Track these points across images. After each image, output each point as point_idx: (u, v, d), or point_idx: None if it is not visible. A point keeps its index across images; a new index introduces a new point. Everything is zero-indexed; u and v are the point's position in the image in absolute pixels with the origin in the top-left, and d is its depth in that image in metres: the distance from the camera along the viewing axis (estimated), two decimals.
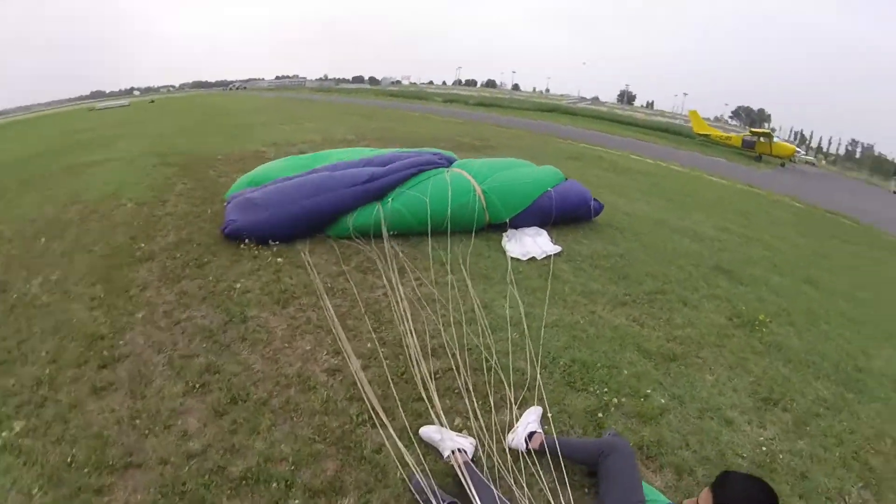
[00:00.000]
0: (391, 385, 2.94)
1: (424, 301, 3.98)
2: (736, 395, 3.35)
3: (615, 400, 2.98)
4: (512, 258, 4.89)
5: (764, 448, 2.90)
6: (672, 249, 5.90)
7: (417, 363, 3.10)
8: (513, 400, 2.86)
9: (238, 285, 3.96)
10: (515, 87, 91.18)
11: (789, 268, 6.53)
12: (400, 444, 2.48)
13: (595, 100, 71.84)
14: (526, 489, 2.27)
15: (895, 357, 4.64)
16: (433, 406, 2.74)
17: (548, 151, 13.73)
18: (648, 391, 3.14)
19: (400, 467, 2.37)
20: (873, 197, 22.90)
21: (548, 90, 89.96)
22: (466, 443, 2.50)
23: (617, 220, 6.71)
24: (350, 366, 3.09)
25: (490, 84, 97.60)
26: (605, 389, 3.06)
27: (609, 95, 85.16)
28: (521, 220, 5.55)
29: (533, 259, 4.98)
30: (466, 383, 2.96)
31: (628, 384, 3.17)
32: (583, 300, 4.21)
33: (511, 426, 2.68)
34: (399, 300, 3.81)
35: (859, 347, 4.56)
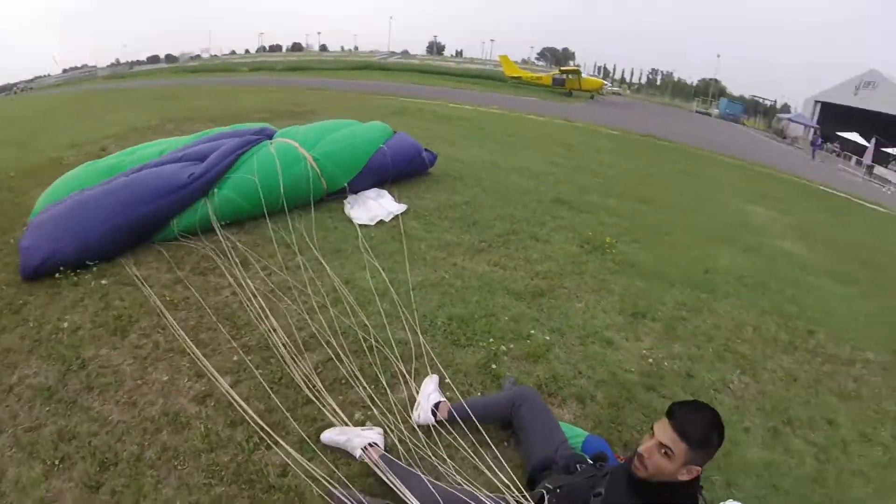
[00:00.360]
0: (272, 395, 2.94)
1: (279, 291, 3.98)
2: (607, 315, 4.27)
3: (502, 347, 3.51)
4: (360, 225, 5.19)
5: (649, 359, 3.80)
6: (512, 189, 6.94)
7: (293, 362, 3.13)
8: (406, 373, 3.11)
9: (65, 324, 3.63)
10: (323, 48, 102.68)
11: (621, 190, 8.29)
12: (303, 460, 2.51)
13: (405, 53, 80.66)
14: (450, 462, 2.51)
15: (734, 255, 6.50)
16: (325, 405, 2.82)
17: (369, 109, 14.83)
18: (531, 331, 3.76)
19: (313, 485, 2.40)
20: (679, 118, 30.94)
21: (356, 48, 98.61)
22: (374, 434, 2.63)
23: (453, 169, 7.56)
24: (219, 386, 2.98)
25: (296, 48, 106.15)
26: (490, 339, 3.55)
27: (419, 48, 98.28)
28: (360, 183, 5.89)
29: (381, 222, 5.36)
30: (352, 370, 3.10)
31: (509, 329, 3.74)
32: (441, 255, 4.71)
33: (413, 402, 2.91)
34: (251, 297, 3.76)
35: (701, 252, 6.23)
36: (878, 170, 35.67)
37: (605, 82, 43.20)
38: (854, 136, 39.55)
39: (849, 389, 4.44)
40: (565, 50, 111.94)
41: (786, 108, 67.17)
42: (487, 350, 3.44)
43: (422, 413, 2.78)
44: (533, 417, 2.60)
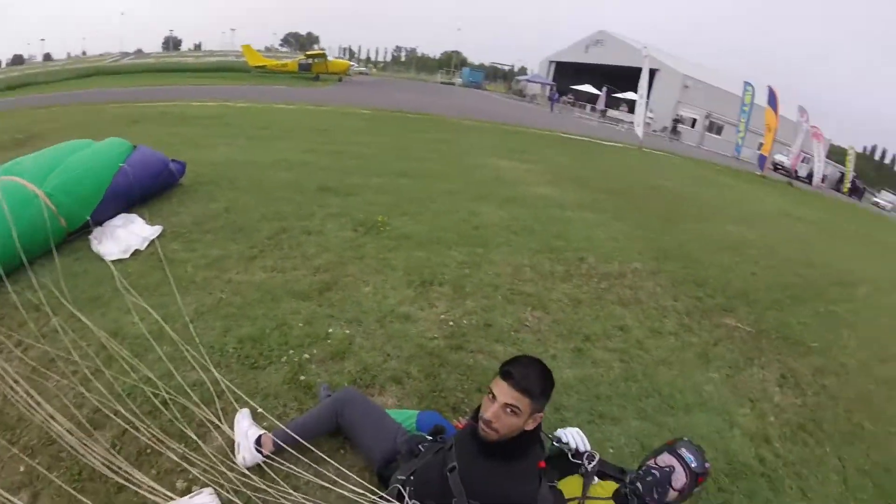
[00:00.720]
0: (79, 497, 2.61)
1: (42, 368, 3.45)
2: (396, 291, 4.66)
3: (304, 356, 3.59)
4: (113, 261, 4.81)
5: (448, 322, 4.29)
6: (273, 185, 6.99)
7: (85, 448, 2.78)
8: (213, 418, 2.97)
9: None
10: (48, 56, 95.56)
11: (381, 168, 8.87)
12: None
13: (139, 52, 75.53)
14: (294, 493, 2.55)
15: (497, 209, 7.57)
16: (140, 486, 2.61)
17: (104, 122, 13.65)
18: (329, 330, 3.92)
19: None
20: (426, 91, 33.07)
21: (84, 53, 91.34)
22: (206, 498, 2.56)
23: (206, 174, 7.42)
24: None
25: (17, 60, 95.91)
26: (289, 351, 3.62)
27: (154, 45, 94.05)
28: (104, 212, 5.51)
29: (137, 252, 5.04)
30: (153, 435, 2.88)
31: (305, 334, 3.84)
32: (212, 273, 4.57)
33: (233, 446, 2.84)
34: (12, 385, 3.19)
35: (468, 212, 7.08)
36: (611, 113, 45.96)
37: (352, 63, 46.13)
38: (587, 88, 49.51)
39: (628, 297, 5.71)
40: (309, 34, 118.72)
41: (523, 71, 79.75)
42: (290, 363, 3.48)
43: (246, 454, 2.73)
44: (359, 417, 2.75)
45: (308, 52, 39.05)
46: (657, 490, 2.24)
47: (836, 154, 61.28)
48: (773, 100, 29.09)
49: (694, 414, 4.06)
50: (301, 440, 2.70)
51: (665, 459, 2.32)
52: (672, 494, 2.26)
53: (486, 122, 20.16)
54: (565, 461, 2.51)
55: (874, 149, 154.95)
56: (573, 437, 2.58)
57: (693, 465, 2.27)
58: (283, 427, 2.81)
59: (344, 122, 13.90)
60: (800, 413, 4.66)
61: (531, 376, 2.09)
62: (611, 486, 2.42)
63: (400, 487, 2.30)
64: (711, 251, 8.59)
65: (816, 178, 37.35)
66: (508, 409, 2.05)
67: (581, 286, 5.72)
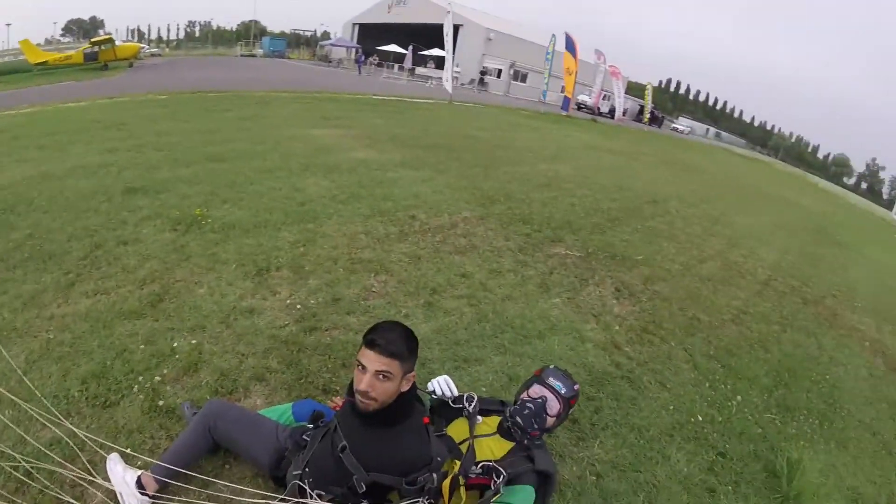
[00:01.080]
0: None
1: None
2: (234, 286, 4.43)
3: (155, 378, 3.31)
4: None
5: (296, 306, 4.23)
6: (74, 197, 6.05)
7: None
8: (82, 474, 2.81)
9: None
10: None
11: (190, 156, 8.19)
12: None
13: None
14: None
15: (319, 180, 7.57)
16: None
17: None
18: (173, 344, 3.63)
19: None
20: (226, 66, 30.55)
21: None
22: None
23: None
24: None
25: None
26: (139, 378, 3.32)
27: None
28: None
29: None
30: None
31: (150, 354, 3.53)
32: (31, 313, 3.80)
33: (116, 497, 2.71)
34: None
35: (290, 188, 6.96)
36: (419, 70, 47.02)
37: (142, 45, 42.57)
38: (393, 48, 50.12)
39: (463, 245, 6.02)
40: (93, 19, 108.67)
41: (326, 36, 78.55)
42: (143, 391, 3.24)
43: (132, 501, 2.55)
44: (233, 426, 2.66)
45: (93, 40, 35.25)
46: (535, 420, 2.49)
47: (635, 90, 68.80)
48: (570, 45, 32.08)
49: (547, 338, 4.48)
50: (181, 469, 2.57)
51: (536, 391, 2.57)
52: (550, 420, 2.54)
53: (295, 92, 19.53)
54: (448, 408, 2.70)
55: (669, 81, 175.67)
56: (442, 384, 2.81)
57: (563, 392, 2.55)
58: (158, 462, 2.63)
59: (141, 111, 12.67)
60: (640, 318, 5.38)
61: (395, 339, 2.18)
62: (494, 421, 2.64)
63: (298, 483, 2.29)
64: (531, 190, 9.36)
65: (618, 113, 41.82)
66: (381, 376, 2.13)
67: (417, 243, 5.93)
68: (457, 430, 2.60)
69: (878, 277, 12.04)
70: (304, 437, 2.52)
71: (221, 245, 5.16)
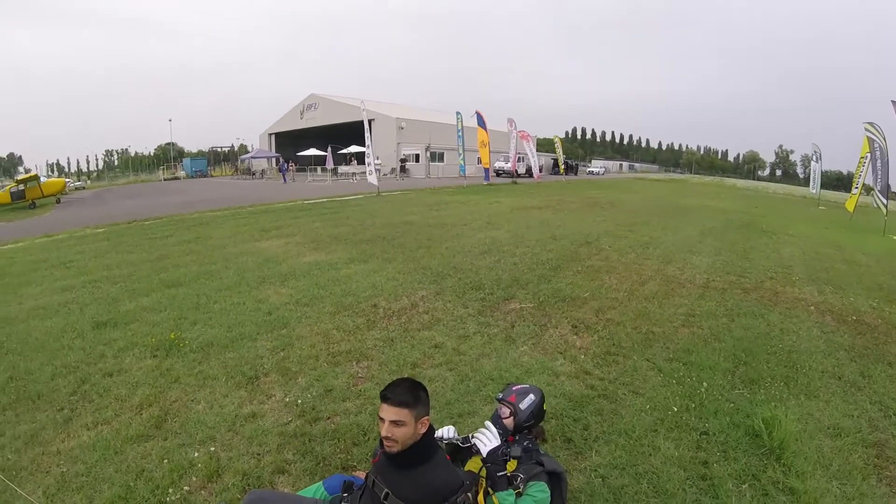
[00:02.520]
0: None
1: None
2: (229, 397, 4.56)
3: (185, 489, 3.47)
4: None
5: (297, 402, 4.51)
6: (44, 337, 5.91)
7: None
8: None
9: None
10: None
11: (146, 285, 7.92)
12: None
13: None
14: None
15: (275, 290, 7.95)
16: None
17: None
18: (193, 455, 3.77)
19: None
20: (152, 192, 30.32)
21: None
22: None
23: None
24: None
25: None
26: (169, 491, 3.45)
27: None
28: None
29: None
30: None
31: (169, 470, 3.64)
32: (36, 451, 3.86)
33: None
34: None
35: (253, 301, 7.23)
36: (341, 169, 48.36)
37: (67, 180, 41.68)
38: (312, 151, 51.49)
39: (428, 321, 6.40)
40: (10, 156, 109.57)
41: (244, 149, 79.46)
42: (175, 503, 3.39)
43: None
44: None
45: (18, 178, 34.49)
46: (499, 426, 3.12)
47: (546, 145, 72.17)
48: (480, 120, 34.81)
49: (525, 380, 4.87)
50: None
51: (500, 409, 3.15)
52: (508, 421, 3.15)
53: (227, 209, 19.73)
54: (460, 450, 3.19)
55: (575, 130, 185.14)
56: (448, 432, 3.23)
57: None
58: None
59: (84, 247, 12.61)
60: (601, 344, 5.94)
61: (402, 392, 2.59)
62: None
63: None
64: (475, 258, 10.03)
65: (535, 171, 43.85)
66: (396, 424, 2.53)
67: (386, 327, 6.34)
68: (470, 467, 3.02)
69: (809, 249, 13.18)
70: (343, 502, 2.82)
71: (205, 363, 5.42)
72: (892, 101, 13.62)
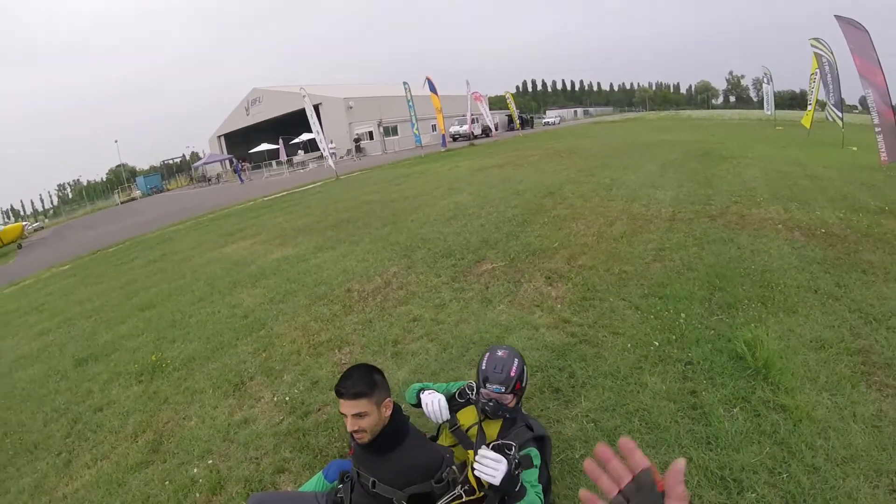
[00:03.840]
0: None
1: None
2: (219, 409, 4.60)
3: None
4: None
5: (286, 400, 4.52)
6: (29, 385, 5.96)
7: None
8: None
9: None
10: None
11: (121, 313, 7.96)
12: None
13: None
14: None
15: (248, 292, 7.96)
16: None
17: None
18: (193, 472, 3.84)
19: None
20: (110, 216, 28.75)
21: None
22: None
23: None
24: None
25: None
26: None
27: None
28: None
29: None
30: None
31: (173, 490, 3.68)
32: (43, 499, 4.07)
33: None
34: None
35: (227, 308, 7.23)
36: (296, 159, 47.84)
37: (24, 223, 39.96)
38: (264, 146, 50.59)
39: (403, 296, 6.37)
40: None
41: (196, 157, 77.94)
42: None
43: None
44: None
45: None
46: (501, 409, 2.92)
47: (498, 103, 71.96)
48: (432, 86, 34.31)
49: (506, 339, 4.97)
50: None
51: (486, 394, 2.95)
52: (509, 398, 2.93)
53: (188, 220, 19.41)
54: (454, 402, 3.15)
55: (525, 83, 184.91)
56: (434, 406, 3.06)
57: (503, 391, 2.89)
58: None
59: (52, 287, 12.28)
60: (576, 292, 5.98)
61: (355, 383, 2.53)
62: (472, 410, 3.09)
63: None
64: (441, 226, 9.99)
65: (491, 131, 43.92)
66: (359, 416, 2.50)
67: (363, 310, 6.31)
68: (466, 417, 3.03)
69: (771, 169, 13.38)
70: (339, 495, 2.82)
71: (190, 379, 5.37)
72: (836, 16, 13.69)
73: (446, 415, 2.93)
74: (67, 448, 4.65)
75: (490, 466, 2.58)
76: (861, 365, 4.07)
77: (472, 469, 2.68)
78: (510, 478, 2.56)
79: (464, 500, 2.66)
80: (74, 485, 4.12)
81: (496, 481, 2.53)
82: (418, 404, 3.06)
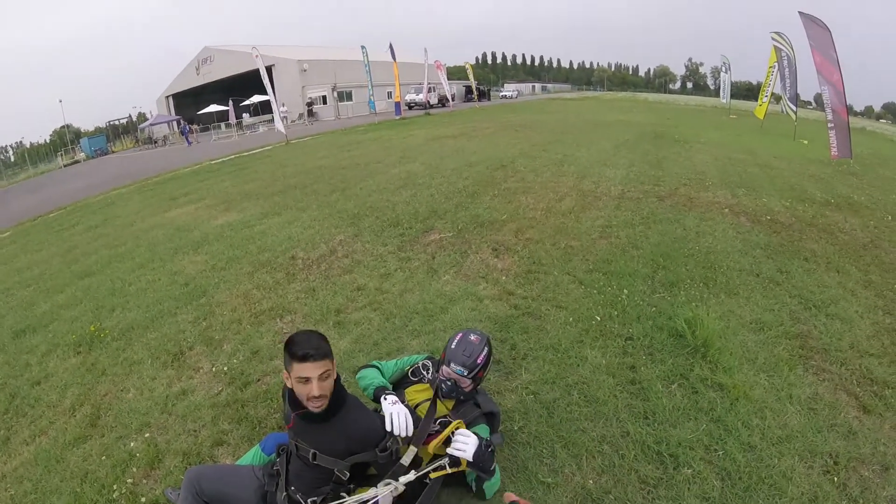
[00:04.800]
0: None
1: None
2: (157, 380, 4.45)
3: (129, 481, 3.41)
4: None
5: (224, 370, 4.41)
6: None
7: None
8: None
9: None
10: None
11: (60, 281, 7.83)
12: None
13: None
14: None
15: (192, 259, 7.77)
16: None
17: None
18: (130, 445, 3.74)
19: None
20: (51, 180, 27.29)
21: None
22: None
23: None
24: None
25: None
26: (113, 488, 3.38)
27: None
28: None
29: None
30: None
31: (111, 465, 3.58)
32: None
33: None
34: None
35: (167, 274, 7.07)
36: (246, 121, 46.48)
37: None
38: (213, 108, 48.83)
39: (348, 264, 6.27)
40: None
41: (143, 118, 74.74)
42: (123, 497, 3.32)
43: None
44: (216, 482, 2.83)
45: None
46: (456, 391, 2.95)
47: (457, 73, 71.37)
48: (393, 53, 34.13)
49: (450, 310, 4.94)
50: None
51: (446, 372, 2.95)
52: (467, 383, 2.95)
53: (133, 184, 18.54)
54: (406, 380, 3.23)
55: (485, 55, 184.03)
56: (400, 419, 2.76)
57: (466, 374, 2.91)
58: None
59: None
60: (521, 265, 5.99)
61: (319, 343, 2.46)
62: (425, 387, 3.13)
63: (288, 494, 2.61)
64: (391, 195, 9.86)
65: (448, 101, 43.63)
66: (324, 376, 2.41)
67: (307, 278, 6.16)
68: (415, 394, 3.04)
69: (722, 155, 13.73)
70: (275, 468, 2.76)
71: (129, 349, 5.15)
72: (799, 12, 13.94)
73: (412, 430, 2.73)
74: (5, 424, 4.41)
75: (461, 443, 2.67)
76: (799, 349, 4.20)
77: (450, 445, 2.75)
78: (481, 452, 2.65)
79: (448, 472, 2.66)
80: (13, 463, 3.93)
81: (468, 456, 2.63)
82: (375, 399, 2.94)
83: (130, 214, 12.41)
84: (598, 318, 4.56)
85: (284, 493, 2.62)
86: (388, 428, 2.62)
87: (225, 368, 4.48)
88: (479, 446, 2.65)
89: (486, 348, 2.96)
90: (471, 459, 2.63)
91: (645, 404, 3.49)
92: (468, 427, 2.80)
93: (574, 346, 4.17)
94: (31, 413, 4.51)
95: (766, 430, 3.25)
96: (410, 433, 2.67)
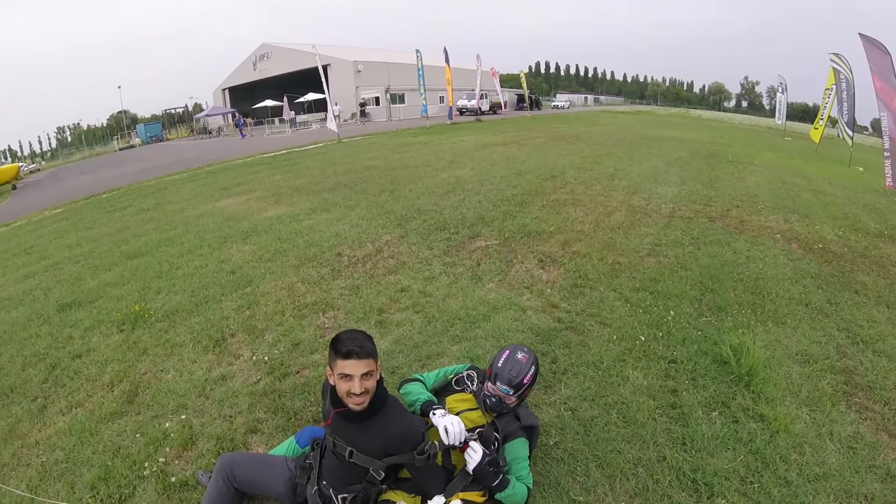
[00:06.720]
0: None
1: None
2: (197, 363, 4.56)
3: (160, 460, 3.47)
4: None
5: (265, 360, 4.51)
6: (10, 330, 5.65)
7: None
8: None
9: None
10: None
11: (109, 259, 8.03)
12: None
13: None
14: None
15: (239, 248, 7.82)
16: None
17: None
18: (166, 426, 3.82)
19: None
20: (108, 162, 28.84)
21: None
22: None
23: None
24: None
25: None
26: (144, 464, 3.47)
27: None
28: None
29: None
30: None
31: (145, 443, 3.71)
32: (16, 444, 3.89)
33: None
34: None
35: (215, 262, 7.19)
36: (299, 118, 47.36)
37: (21, 164, 39.07)
38: (268, 103, 50.00)
39: (393, 265, 6.31)
40: None
41: (199, 108, 76.87)
42: (153, 475, 3.38)
43: None
44: (249, 470, 2.90)
45: None
46: (501, 406, 2.94)
47: (510, 81, 71.41)
48: (447, 57, 34.00)
49: (492, 318, 4.92)
50: None
51: (491, 389, 2.94)
52: (512, 400, 2.94)
53: (185, 172, 18.98)
54: (449, 388, 3.22)
55: (538, 64, 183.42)
56: (455, 429, 2.81)
57: (511, 393, 2.89)
58: None
59: (43, 230, 12.00)
60: (567, 277, 5.94)
61: (364, 342, 2.50)
62: (469, 397, 3.12)
63: (319, 488, 2.66)
64: (439, 199, 9.89)
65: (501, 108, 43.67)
66: (366, 376, 2.46)
67: (351, 275, 6.24)
68: (455, 402, 3.07)
69: (775, 178, 13.32)
70: (308, 461, 2.81)
71: (172, 331, 5.30)
72: (860, 35, 13.50)
73: (465, 437, 2.78)
74: (44, 394, 4.57)
75: (468, 454, 2.72)
76: (844, 384, 4.06)
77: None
78: (481, 468, 2.68)
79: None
80: (48, 431, 4.06)
81: (469, 468, 2.70)
82: (423, 413, 2.95)
83: (182, 200, 12.74)
84: (643, 339, 4.49)
85: (316, 488, 2.67)
86: (444, 440, 2.66)
87: (265, 358, 4.56)
88: (481, 462, 2.68)
89: (533, 367, 2.94)
90: (470, 472, 2.70)
91: (684, 430, 3.42)
92: (506, 440, 2.87)
93: (616, 365, 4.12)
94: (69, 384, 4.66)
95: (804, 465, 3.16)
96: (464, 441, 2.74)
